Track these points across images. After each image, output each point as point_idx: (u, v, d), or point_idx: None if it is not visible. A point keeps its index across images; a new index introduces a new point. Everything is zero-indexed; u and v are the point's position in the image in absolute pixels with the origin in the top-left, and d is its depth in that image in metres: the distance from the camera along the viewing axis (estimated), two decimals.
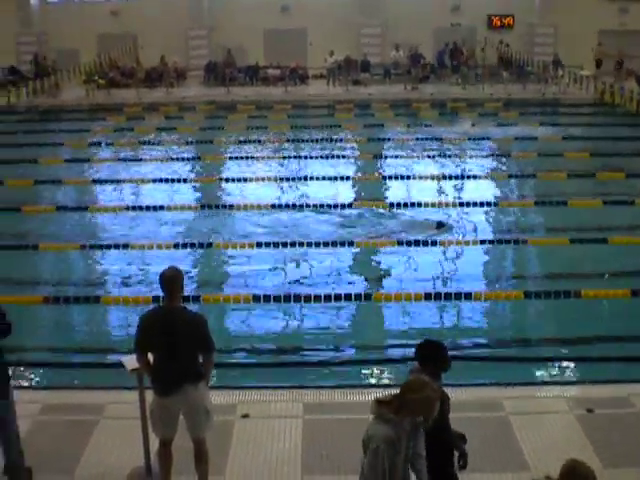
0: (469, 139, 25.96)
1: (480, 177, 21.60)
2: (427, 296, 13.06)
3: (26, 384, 10.51)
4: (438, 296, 13.16)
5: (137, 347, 7.34)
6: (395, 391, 5.95)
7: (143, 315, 7.43)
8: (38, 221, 18.42)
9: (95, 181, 21.85)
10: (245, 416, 9.10)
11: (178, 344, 7.10)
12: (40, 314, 13.38)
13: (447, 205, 18.72)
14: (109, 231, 17.57)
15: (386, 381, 10.75)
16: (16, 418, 7.95)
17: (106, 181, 21.82)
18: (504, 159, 24.02)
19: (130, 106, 33.61)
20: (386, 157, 24.15)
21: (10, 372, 8.02)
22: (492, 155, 24.48)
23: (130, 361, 7.64)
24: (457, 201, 19.22)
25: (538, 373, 11.07)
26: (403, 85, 36.10)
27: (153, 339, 7.21)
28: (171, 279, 7.20)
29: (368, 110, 32.08)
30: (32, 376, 10.97)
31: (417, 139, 25.98)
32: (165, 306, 7.25)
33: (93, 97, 35.93)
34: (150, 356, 7.34)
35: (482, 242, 16.02)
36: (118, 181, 21.69)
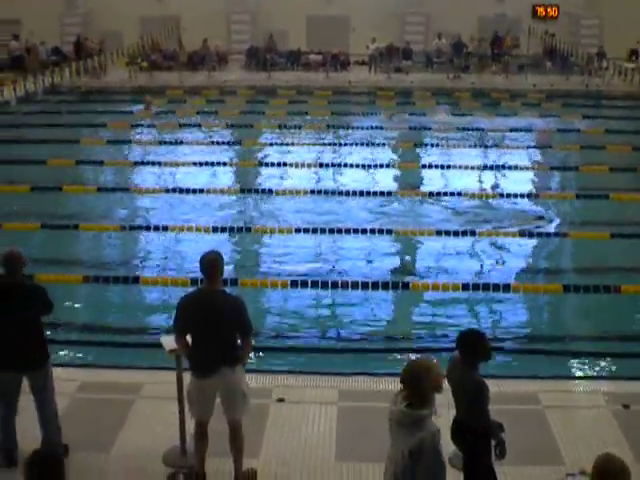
0: (511, 130, 25.75)
1: (521, 168, 21.41)
2: (465, 286, 13.02)
3: (65, 362, 10.61)
4: (476, 287, 13.09)
5: (176, 328, 7.40)
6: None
7: (183, 297, 7.48)
8: (79, 201, 18.62)
9: (136, 163, 22.01)
10: (280, 400, 9.15)
11: (217, 327, 7.14)
12: (80, 293, 13.54)
13: (487, 195, 18.64)
14: (149, 213, 17.67)
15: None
16: (55, 395, 8.08)
17: (147, 163, 21.97)
18: (546, 150, 23.81)
19: (172, 89, 33.75)
20: (426, 145, 24.02)
21: (49, 349, 8.13)
22: (533, 146, 24.29)
23: (169, 342, 7.69)
24: (497, 192, 19.08)
25: (575, 367, 11.00)
26: (445, 74, 35.88)
27: (192, 321, 7.25)
28: (212, 262, 7.23)
29: (409, 98, 31.95)
30: (71, 354, 11.07)
31: (458, 128, 25.82)
32: (205, 289, 7.28)
33: (135, 79, 36.13)
34: (189, 337, 7.38)
35: (521, 234, 15.88)
36: (159, 163, 21.79)
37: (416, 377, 5.64)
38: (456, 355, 6.74)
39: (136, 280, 13.46)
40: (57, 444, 8.00)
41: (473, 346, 6.60)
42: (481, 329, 7.19)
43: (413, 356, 10.96)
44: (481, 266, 14.71)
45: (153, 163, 21.88)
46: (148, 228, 16.23)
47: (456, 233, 15.61)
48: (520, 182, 19.96)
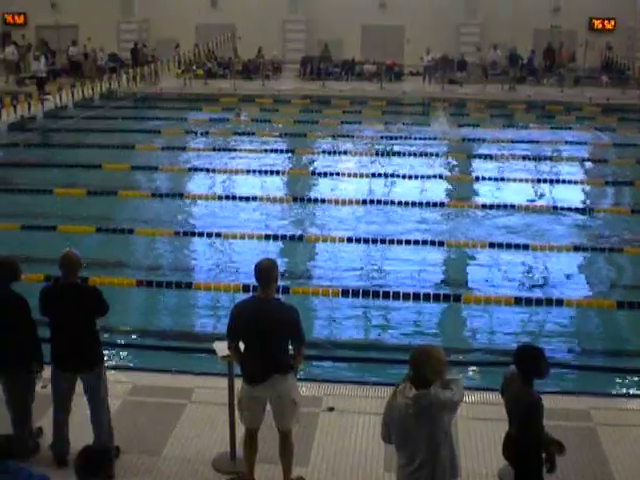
0: (565, 142, 25.54)
1: (575, 182, 21.21)
2: (517, 300, 12.93)
3: (118, 365, 10.73)
4: (529, 301, 12.98)
5: (229, 335, 7.43)
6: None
7: (237, 304, 7.51)
8: (133, 206, 18.84)
9: (190, 169, 22.19)
10: (330, 409, 9.15)
11: (270, 334, 7.16)
12: (133, 297, 13.68)
13: (540, 209, 18.48)
14: (202, 219, 17.81)
15: (471, 383, 10.65)
16: (108, 397, 8.17)
17: (201, 170, 22.14)
18: (601, 165, 23.56)
19: (226, 97, 34.01)
20: (480, 157, 23.90)
21: (103, 351, 8.23)
22: (589, 160, 24.05)
23: (222, 348, 7.73)
24: (551, 205, 18.90)
25: (627, 384, 10.83)
26: (500, 85, 35.67)
27: (245, 328, 7.27)
28: (266, 270, 7.25)
29: (463, 109, 31.82)
30: (124, 357, 11.21)
31: (512, 141, 25.66)
32: (259, 296, 7.29)
33: (190, 87, 36.47)
34: (241, 344, 7.42)
35: (575, 249, 15.72)
36: (212, 170, 21.97)
37: (416, 363, 5.94)
38: (512, 370, 6.69)
39: (189, 285, 13.58)
40: (109, 446, 8.09)
41: (530, 362, 6.54)
42: (538, 345, 7.09)
43: (467, 369, 10.99)
44: (534, 280, 14.55)
45: (207, 170, 22.06)
46: (201, 234, 16.36)
47: (509, 246, 15.50)
48: (574, 196, 19.76)
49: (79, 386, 8.07)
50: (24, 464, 5.93)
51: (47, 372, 8.08)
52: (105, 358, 8.30)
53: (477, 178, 21.48)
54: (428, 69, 37.00)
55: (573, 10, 38.41)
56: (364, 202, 18.60)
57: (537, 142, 25.69)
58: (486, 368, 11.06)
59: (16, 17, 42.44)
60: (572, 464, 7.91)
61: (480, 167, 22.90)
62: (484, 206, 18.47)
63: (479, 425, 8.47)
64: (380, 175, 21.57)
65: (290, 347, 7.38)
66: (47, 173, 21.86)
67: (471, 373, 10.96)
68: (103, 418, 8.09)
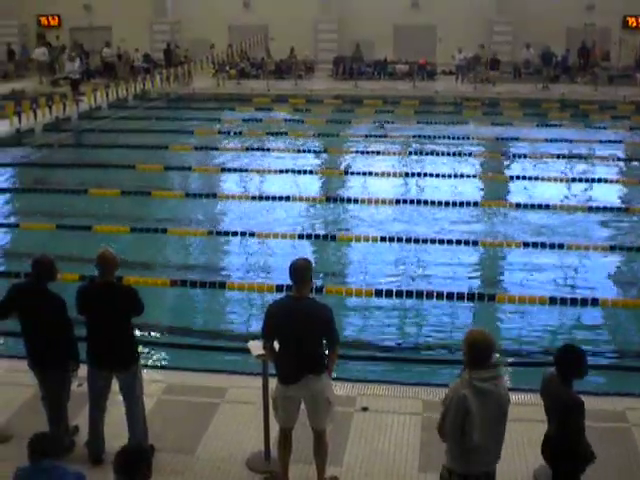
0: (599, 141, 25.32)
1: (609, 181, 21.01)
2: (552, 300, 12.83)
3: (153, 363, 10.79)
4: (563, 301, 12.88)
5: (264, 334, 7.43)
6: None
7: (272, 303, 7.50)
8: (167, 206, 18.94)
9: (223, 169, 22.26)
10: (364, 409, 9.13)
11: (304, 334, 7.15)
12: (167, 296, 13.74)
13: (575, 209, 18.32)
14: (235, 219, 17.87)
15: (507, 383, 10.57)
16: (143, 396, 8.21)
17: (234, 170, 22.20)
18: (635, 164, 23.33)
19: (259, 97, 34.09)
20: (514, 157, 23.76)
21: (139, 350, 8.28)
22: (624, 159, 23.82)
23: (256, 347, 7.74)
24: (585, 205, 18.74)
25: None
26: (533, 84, 35.45)
27: (280, 327, 7.27)
28: (301, 270, 7.23)
29: (496, 108, 31.67)
30: (159, 356, 11.27)
31: (546, 140, 25.48)
32: (294, 296, 7.28)
33: (223, 87, 36.60)
34: (276, 344, 7.42)
35: (611, 248, 15.57)
36: (245, 170, 22.03)
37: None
38: (552, 370, 6.64)
39: (223, 285, 13.62)
40: (146, 446, 8.13)
41: (571, 363, 6.49)
42: (579, 346, 7.02)
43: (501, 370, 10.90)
44: (568, 280, 14.43)
45: (240, 170, 22.12)
46: (234, 234, 16.40)
47: (543, 245, 15.40)
48: (609, 195, 19.58)
49: (115, 385, 8.12)
50: (59, 462, 5.97)
51: (83, 371, 8.13)
52: (140, 357, 8.34)
53: (511, 177, 21.36)
54: (460, 68, 36.83)
55: (607, 8, 38.02)
56: (397, 202, 18.57)
57: (571, 141, 25.48)
58: (520, 368, 11.00)
59: (50, 19, 42.85)
60: (608, 465, 7.82)
61: (514, 166, 22.77)
62: (518, 205, 18.35)
63: (514, 426, 8.39)
64: (413, 174, 21.52)
65: (324, 346, 7.37)
66: (81, 173, 22.06)
67: (505, 373, 10.88)
68: (138, 416, 8.13)
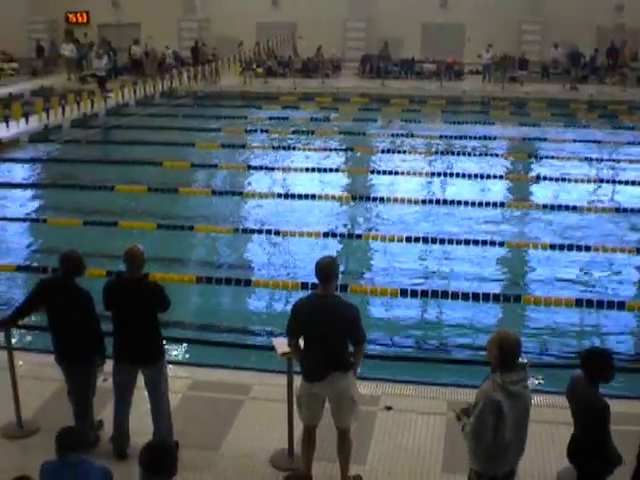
0: (628, 143, 25.15)
1: (638, 183, 20.78)
2: (578, 302, 12.75)
3: (178, 360, 10.84)
4: (590, 303, 12.80)
5: (289, 332, 7.43)
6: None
7: (298, 301, 7.49)
8: (194, 203, 19.02)
9: (249, 167, 22.31)
10: (388, 408, 9.13)
11: (330, 332, 7.15)
12: (193, 293, 13.80)
13: (602, 210, 18.20)
14: (261, 217, 17.91)
15: (532, 385, 10.53)
16: (168, 391, 8.25)
17: (260, 168, 22.24)
18: None
19: (285, 95, 34.14)
20: (541, 157, 23.62)
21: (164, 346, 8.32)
22: None
23: (281, 344, 7.76)
24: (613, 206, 18.61)
25: None
26: (561, 84, 35.26)
27: (305, 325, 7.28)
28: (327, 268, 7.23)
29: (524, 109, 31.52)
30: (184, 352, 11.33)
31: (574, 140, 25.33)
32: (319, 294, 7.28)
33: (250, 85, 36.68)
34: (301, 341, 7.43)
35: (638, 251, 15.44)
36: (271, 168, 22.07)
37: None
38: (579, 373, 6.60)
39: (248, 282, 13.66)
40: (171, 442, 8.17)
41: (598, 365, 6.45)
42: (607, 348, 6.99)
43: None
44: (595, 282, 14.32)
45: (266, 168, 22.16)
46: (260, 232, 16.46)
47: (570, 247, 15.30)
48: (637, 197, 19.41)
49: (140, 380, 8.16)
50: (85, 456, 6.00)
51: (109, 366, 8.18)
52: (165, 353, 8.37)
53: (538, 178, 21.23)
54: (487, 67, 36.70)
55: (637, 7, 37.69)
56: (423, 201, 18.53)
57: (599, 142, 25.32)
58: (546, 370, 10.94)
59: (79, 16, 43.12)
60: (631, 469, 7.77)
61: (541, 167, 22.64)
62: (545, 206, 18.25)
63: (540, 427, 8.36)
64: (439, 174, 21.48)
65: (350, 345, 7.37)
66: (108, 170, 22.20)
67: (530, 375, 10.82)
68: (163, 412, 8.17)
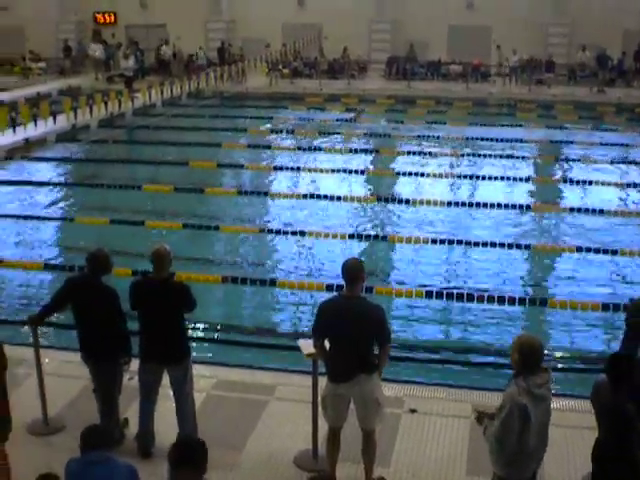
0: None
1: None
2: (604, 306, 12.66)
3: (203, 359, 10.85)
4: (616, 307, 12.68)
5: (315, 333, 7.44)
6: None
7: (324, 302, 7.49)
8: (219, 203, 19.08)
9: (275, 168, 22.35)
10: (413, 411, 9.12)
11: (355, 333, 7.14)
12: (218, 292, 13.85)
13: (629, 214, 18.09)
14: (287, 217, 17.94)
15: (557, 389, 10.48)
16: (193, 391, 8.28)
17: (286, 168, 22.27)
18: None
19: (311, 96, 34.17)
20: (567, 160, 23.51)
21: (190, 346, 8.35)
22: None
23: (306, 345, 7.76)
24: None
25: None
26: (589, 87, 35.06)
27: (331, 326, 7.27)
28: (354, 269, 7.23)
29: (551, 111, 31.36)
30: (209, 352, 11.34)
31: (601, 144, 25.18)
32: (345, 295, 7.28)
33: (276, 85, 36.75)
34: (326, 342, 7.43)
35: None
36: (297, 169, 22.10)
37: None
38: (604, 377, 6.57)
39: (273, 283, 13.69)
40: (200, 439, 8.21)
41: (621, 371, 6.41)
42: (615, 352, 6.95)
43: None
44: (621, 286, 14.21)
45: (291, 168, 22.19)
46: (285, 232, 16.47)
47: (597, 251, 15.21)
48: None
49: (165, 379, 8.20)
50: (111, 454, 6.03)
51: (135, 364, 8.23)
52: (191, 352, 8.40)
53: (564, 181, 21.13)
54: (514, 70, 36.55)
55: None
56: (449, 203, 18.48)
57: (626, 145, 25.16)
58: (571, 374, 10.90)
59: (107, 16, 43.34)
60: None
61: (567, 170, 22.53)
62: (571, 209, 18.14)
63: (564, 432, 8.33)
64: (465, 176, 21.42)
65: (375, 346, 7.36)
66: (135, 169, 22.33)
67: (555, 379, 10.77)
68: (188, 411, 8.21)
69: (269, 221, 17.76)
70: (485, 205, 18.20)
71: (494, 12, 38.20)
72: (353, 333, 7.14)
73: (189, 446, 5.48)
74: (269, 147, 24.87)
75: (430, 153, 23.97)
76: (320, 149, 24.48)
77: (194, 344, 10.51)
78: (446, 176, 21.34)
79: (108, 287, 8.09)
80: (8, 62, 41.61)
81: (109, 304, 8.00)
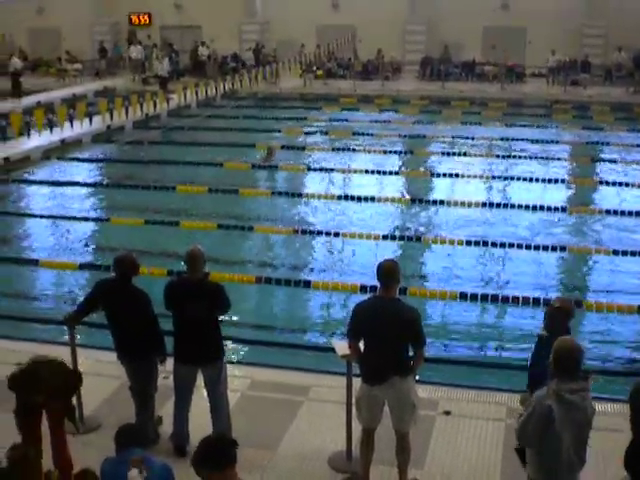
0: None
1: None
2: None
3: (237, 359, 10.90)
4: None
5: (350, 334, 7.43)
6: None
7: (359, 303, 7.47)
8: (254, 204, 19.12)
9: (309, 169, 22.37)
10: (447, 413, 9.08)
11: (390, 335, 7.12)
12: (252, 293, 13.88)
13: None
14: (320, 218, 17.96)
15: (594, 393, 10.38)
16: (227, 391, 8.30)
17: (319, 169, 22.29)
18: None
19: (345, 97, 34.16)
20: (604, 162, 23.31)
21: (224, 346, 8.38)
22: None
23: (341, 346, 7.77)
24: None
25: None
26: (625, 88, 34.73)
27: (366, 327, 7.25)
28: (389, 270, 7.21)
29: (587, 112, 31.11)
30: (243, 352, 11.39)
31: (637, 145, 24.93)
32: (381, 296, 7.26)
33: (310, 87, 36.78)
34: (361, 344, 7.41)
35: None
36: (331, 170, 22.10)
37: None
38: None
39: (307, 284, 13.69)
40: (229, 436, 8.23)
41: None
42: None
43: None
44: None
45: (325, 169, 22.20)
46: (320, 233, 16.49)
47: (633, 253, 15.05)
48: None
49: (200, 379, 8.23)
50: (146, 452, 6.06)
51: (169, 364, 8.26)
52: (225, 353, 8.43)
53: (600, 183, 20.94)
54: (552, 71, 36.30)
55: None
56: (483, 204, 18.39)
57: None
58: (607, 378, 10.77)
59: (141, 17, 43.60)
60: None
61: (603, 171, 22.33)
62: (607, 212, 17.98)
63: (598, 435, 8.23)
64: (500, 178, 21.30)
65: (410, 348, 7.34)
66: (170, 170, 22.42)
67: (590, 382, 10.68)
68: (222, 411, 8.25)
69: (303, 222, 17.75)
70: (520, 207, 18.08)
71: (528, 13, 37.92)
72: (388, 335, 7.12)
73: (209, 446, 5.29)
74: (303, 148, 24.90)
75: (465, 154, 23.85)
76: (354, 150, 24.46)
77: (229, 344, 10.59)
78: (481, 177, 21.24)
79: (138, 289, 8.13)
80: (45, 63, 42.05)
81: (140, 307, 8.05)
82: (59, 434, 7.31)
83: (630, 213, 17.74)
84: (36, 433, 7.15)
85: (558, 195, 19.83)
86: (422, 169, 22.74)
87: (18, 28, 43.60)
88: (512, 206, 18.24)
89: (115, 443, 6.00)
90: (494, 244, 15.54)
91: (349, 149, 24.60)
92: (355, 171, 21.88)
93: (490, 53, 38.27)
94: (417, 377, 7.64)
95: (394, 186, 20.81)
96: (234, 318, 11.51)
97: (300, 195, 19.65)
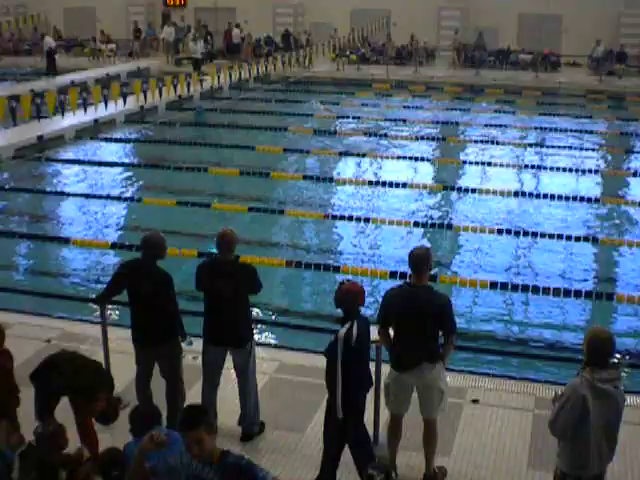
0: None
1: None
2: None
3: (266, 342, 10.93)
4: None
5: (380, 320, 7.43)
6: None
7: (390, 290, 7.48)
8: (285, 187, 19.14)
9: (341, 154, 22.34)
10: (475, 401, 9.06)
11: (421, 322, 7.12)
12: (282, 276, 13.90)
13: None
14: (351, 203, 17.93)
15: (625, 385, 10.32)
16: (255, 373, 8.32)
17: (351, 154, 22.25)
18: None
19: (378, 82, 34.04)
20: (638, 153, 23.06)
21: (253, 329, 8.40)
22: None
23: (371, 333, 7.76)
24: None
25: None
26: None
27: (397, 314, 7.25)
28: (421, 257, 7.19)
29: (622, 103, 30.78)
30: (272, 335, 11.42)
31: None
32: (412, 283, 7.26)
33: (343, 71, 36.66)
34: (391, 330, 7.41)
35: None
36: (363, 155, 22.06)
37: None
38: None
39: (337, 269, 13.68)
40: (254, 420, 8.26)
41: None
42: None
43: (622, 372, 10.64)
44: None
45: (357, 155, 22.15)
46: (350, 218, 16.45)
47: None
48: None
49: (228, 361, 8.25)
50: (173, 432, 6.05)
51: (198, 344, 8.28)
52: (254, 335, 8.45)
53: (634, 174, 20.73)
54: (597, 60, 35.92)
55: None
56: (515, 194, 18.28)
57: None
58: (636, 371, 10.72)
59: None
60: None
61: (637, 162, 22.10)
62: None
63: (630, 428, 8.19)
64: (532, 167, 21.15)
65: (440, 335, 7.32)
66: (202, 152, 22.48)
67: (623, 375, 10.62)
68: (250, 393, 8.26)
69: (334, 207, 17.74)
70: (552, 196, 17.95)
71: (564, 1, 37.54)
72: (418, 321, 7.11)
73: (184, 412, 5.28)
74: (335, 133, 24.85)
75: (497, 142, 23.70)
76: (386, 136, 24.38)
77: (258, 327, 10.62)
78: (513, 166, 21.10)
79: (162, 271, 8.05)
80: (79, 43, 42.22)
81: (164, 287, 7.99)
82: (84, 417, 7.28)
83: None
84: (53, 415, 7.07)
85: (591, 185, 19.67)
86: (454, 156, 22.63)
87: (54, 7, 43.84)
88: (544, 196, 18.11)
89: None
90: (525, 233, 15.45)
91: (381, 135, 24.52)
92: (387, 157, 21.82)
93: (525, 40, 37.93)
94: (447, 365, 7.61)
95: (426, 172, 20.74)
96: (263, 301, 11.52)
97: (331, 180, 19.64)
